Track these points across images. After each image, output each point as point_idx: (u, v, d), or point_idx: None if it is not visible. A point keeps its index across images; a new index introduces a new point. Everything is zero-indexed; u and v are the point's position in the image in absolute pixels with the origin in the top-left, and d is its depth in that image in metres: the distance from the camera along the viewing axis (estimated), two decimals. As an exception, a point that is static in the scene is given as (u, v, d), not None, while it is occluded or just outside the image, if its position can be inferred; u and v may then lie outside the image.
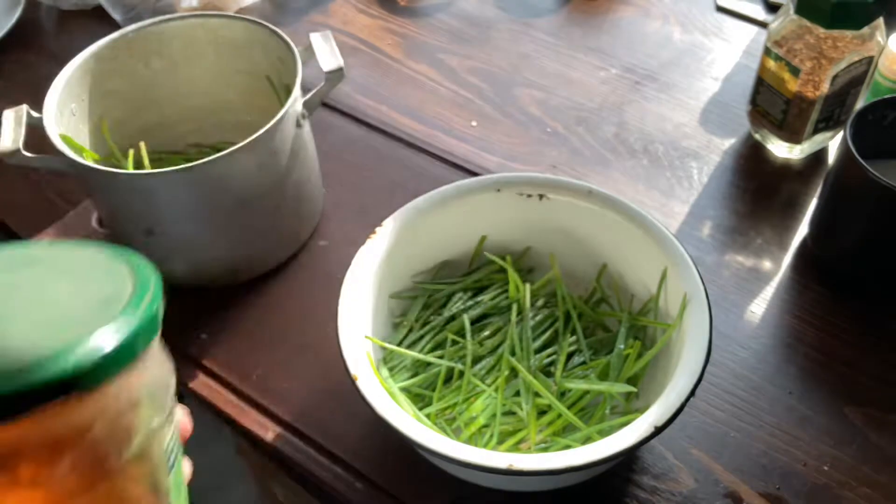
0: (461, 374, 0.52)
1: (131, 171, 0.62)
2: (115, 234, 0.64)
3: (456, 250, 0.59)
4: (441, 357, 0.53)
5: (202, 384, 0.58)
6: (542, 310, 0.56)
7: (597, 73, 0.82)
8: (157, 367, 0.30)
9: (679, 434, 0.54)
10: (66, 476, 0.26)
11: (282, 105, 0.58)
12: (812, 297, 0.61)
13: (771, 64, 0.66)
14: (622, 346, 0.52)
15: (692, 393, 0.43)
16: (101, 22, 0.91)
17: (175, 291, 0.63)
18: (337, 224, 0.67)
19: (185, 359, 0.59)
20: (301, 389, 0.57)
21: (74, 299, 0.28)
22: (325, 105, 0.80)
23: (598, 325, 0.57)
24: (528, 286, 0.55)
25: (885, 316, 0.60)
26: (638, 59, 0.84)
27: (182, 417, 0.33)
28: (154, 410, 0.29)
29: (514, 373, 0.52)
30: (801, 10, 0.63)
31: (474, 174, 0.72)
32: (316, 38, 0.66)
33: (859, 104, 0.68)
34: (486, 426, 0.50)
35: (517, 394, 0.51)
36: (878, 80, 0.67)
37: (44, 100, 0.59)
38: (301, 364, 0.58)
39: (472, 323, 0.55)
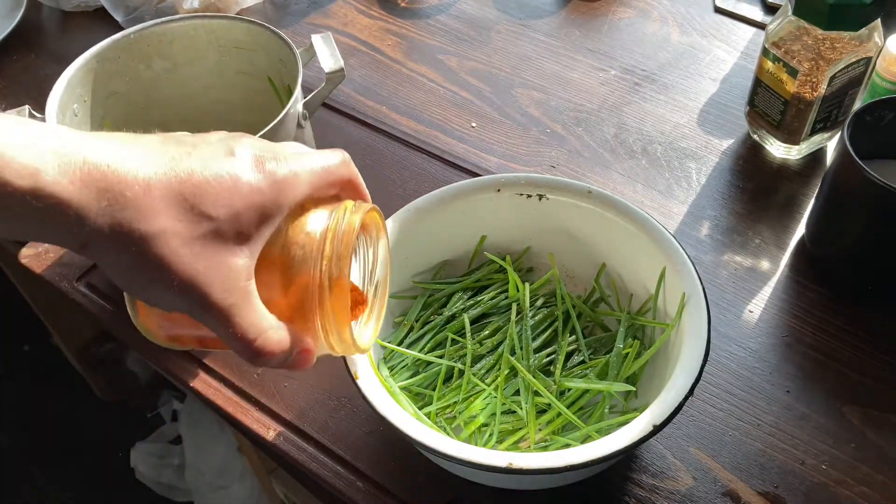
0: (461, 373, 0.53)
1: (133, 171, 0.62)
2: (117, 234, 0.64)
3: (456, 250, 0.59)
4: (441, 356, 0.54)
5: (204, 383, 0.58)
6: (541, 309, 0.56)
7: (596, 74, 0.83)
8: None
9: (678, 433, 0.54)
10: None
11: (283, 106, 0.59)
12: (810, 296, 0.62)
13: (769, 65, 0.67)
14: (621, 346, 0.52)
15: (691, 392, 0.44)
16: (103, 23, 0.91)
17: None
18: (337, 224, 0.67)
19: (187, 358, 0.59)
20: (302, 388, 0.57)
21: None
22: (326, 105, 0.80)
23: (597, 324, 0.57)
24: (527, 286, 0.55)
25: (882, 315, 0.60)
26: (636, 61, 0.84)
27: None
28: None
29: (513, 372, 0.52)
30: (798, 11, 0.63)
31: (474, 174, 0.72)
32: (317, 39, 0.66)
33: (857, 105, 0.68)
34: (485, 425, 0.51)
35: (517, 393, 0.52)
36: (876, 80, 0.67)
37: (46, 100, 0.59)
38: (302, 363, 0.59)
39: (472, 322, 0.55)
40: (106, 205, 0.31)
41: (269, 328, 0.35)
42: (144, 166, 0.32)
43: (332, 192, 0.39)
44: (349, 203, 0.38)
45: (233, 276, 0.34)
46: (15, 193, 0.29)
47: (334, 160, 0.39)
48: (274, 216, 0.35)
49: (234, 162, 0.34)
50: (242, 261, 0.34)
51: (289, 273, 0.36)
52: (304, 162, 0.37)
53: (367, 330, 0.42)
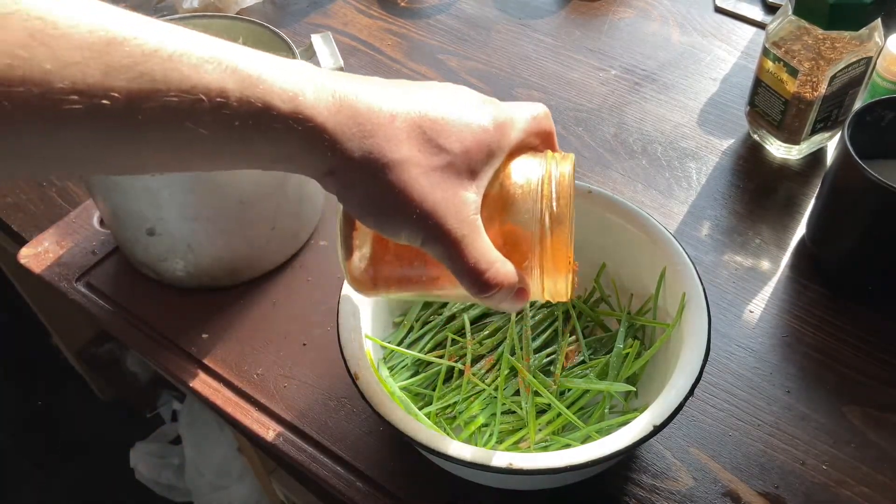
0: (461, 373, 0.53)
1: (132, 171, 0.62)
2: (117, 234, 0.64)
3: (456, 250, 0.59)
4: (441, 356, 0.54)
5: (203, 383, 0.58)
6: (541, 309, 0.56)
7: (596, 73, 0.83)
8: None
9: (678, 433, 0.54)
10: None
11: (282, 106, 0.58)
12: (810, 296, 0.62)
13: (769, 65, 0.67)
14: (621, 346, 0.52)
15: (691, 392, 0.44)
16: (102, 23, 0.91)
17: (176, 291, 0.64)
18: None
19: (187, 358, 0.59)
20: (302, 388, 0.57)
21: None
22: (326, 106, 0.80)
23: (598, 324, 0.57)
24: (527, 286, 0.55)
25: (883, 315, 0.60)
26: (637, 60, 0.84)
27: None
28: None
29: (513, 372, 0.52)
30: (799, 11, 0.63)
31: (474, 174, 0.72)
32: (316, 39, 0.66)
33: (857, 105, 0.68)
34: (485, 425, 0.51)
35: (517, 393, 0.52)
36: (876, 80, 0.67)
37: (45, 100, 0.59)
38: (302, 363, 0.59)
39: (472, 322, 0.55)
40: (356, 131, 0.33)
41: (498, 261, 0.37)
42: (387, 100, 0.34)
43: (537, 143, 0.41)
44: (552, 153, 0.40)
45: (465, 208, 0.35)
46: (279, 116, 0.31)
47: (541, 110, 0.40)
48: (497, 156, 0.37)
49: (463, 103, 0.37)
50: (472, 195, 0.36)
51: (508, 212, 0.38)
52: (517, 109, 0.39)
53: (567, 281, 0.43)
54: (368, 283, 0.41)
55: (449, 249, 0.35)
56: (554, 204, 0.38)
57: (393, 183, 0.34)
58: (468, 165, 0.36)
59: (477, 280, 0.36)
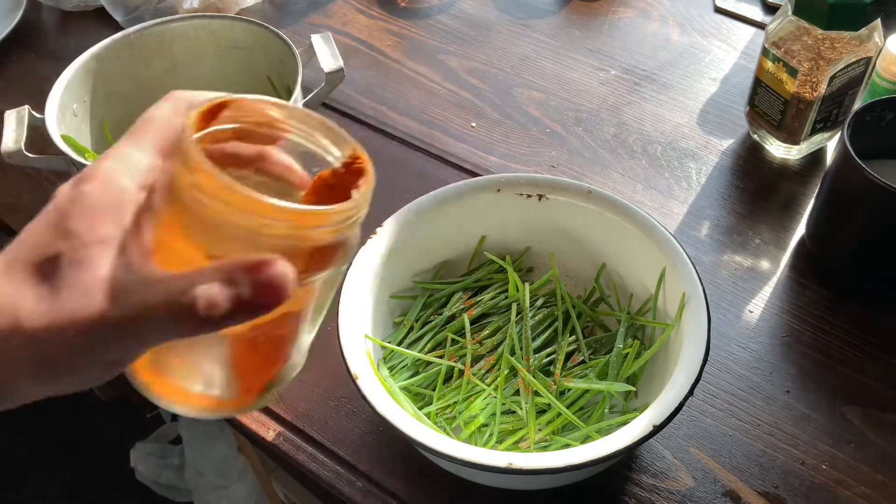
0: (461, 373, 0.53)
1: (133, 171, 0.62)
2: (117, 234, 0.64)
3: (456, 250, 0.59)
4: (441, 356, 0.54)
5: (203, 383, 0.58)
6: (541, 309, 0.56)
7: (596, 73, 0.83)
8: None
9: (678, 433, 0.54)
10: None
11: (282, 106, 0.59)
12: (810, 296, 0.62)
13: (769, 65, 0.67)
14: (621, 346, 0.52)
15: (690, 392, 0.44)
16: (103, 23, 0.91)
17: (176, 291, 0.63)
18: (337, 224, 0.67)
19: (187, 358, 0.59)
20: (302, 388, 0.57)
21: None
22: (326, 105, 0.80)
23: (598, 324, 0.57)
24: (527, 286, 0.55)
25: (883, 315, 0.60)
26: (637, 60, 0.84)
27: None
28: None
29: (513, 372, 0.52)
30: (798, 11, 0.63)
31: (474, 174, 0.72)
32: (316, 39, 0.66)
33: (857, 105, 0.68)
34: (485, 425, 0.51)
35: (517, 393, 0.52)
36: (876, 80, 0.67)
37: (46, 101, 0.59)
38: (302, 363, 0.59)
39: (472, 322, 0.55)
40: None
41: (186, 278, 0.26)
42: None
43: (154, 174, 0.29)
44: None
45: (93, 282, 0.27)
46: None
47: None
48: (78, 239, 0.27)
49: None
50: (88, 265, 0.27)
51: (173, 221, 0.28)
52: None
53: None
54: (180, 396, 0.32)
55: (137, 330, 0.26)
56: (182, 157, 0.27)
57: (24, 336, 0.26)
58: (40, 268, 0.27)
59: (188, 316, 0.25)
